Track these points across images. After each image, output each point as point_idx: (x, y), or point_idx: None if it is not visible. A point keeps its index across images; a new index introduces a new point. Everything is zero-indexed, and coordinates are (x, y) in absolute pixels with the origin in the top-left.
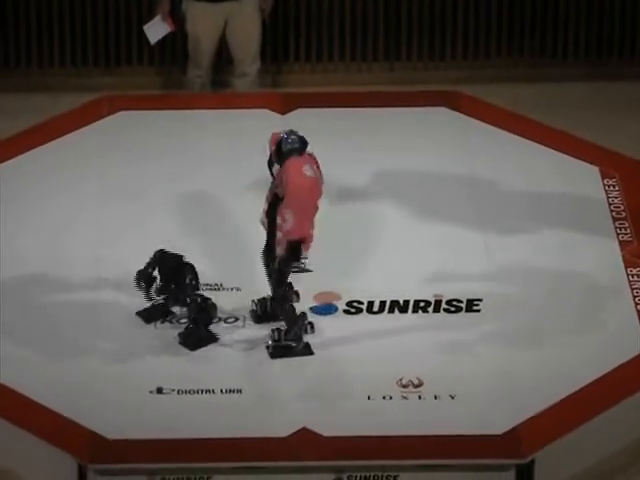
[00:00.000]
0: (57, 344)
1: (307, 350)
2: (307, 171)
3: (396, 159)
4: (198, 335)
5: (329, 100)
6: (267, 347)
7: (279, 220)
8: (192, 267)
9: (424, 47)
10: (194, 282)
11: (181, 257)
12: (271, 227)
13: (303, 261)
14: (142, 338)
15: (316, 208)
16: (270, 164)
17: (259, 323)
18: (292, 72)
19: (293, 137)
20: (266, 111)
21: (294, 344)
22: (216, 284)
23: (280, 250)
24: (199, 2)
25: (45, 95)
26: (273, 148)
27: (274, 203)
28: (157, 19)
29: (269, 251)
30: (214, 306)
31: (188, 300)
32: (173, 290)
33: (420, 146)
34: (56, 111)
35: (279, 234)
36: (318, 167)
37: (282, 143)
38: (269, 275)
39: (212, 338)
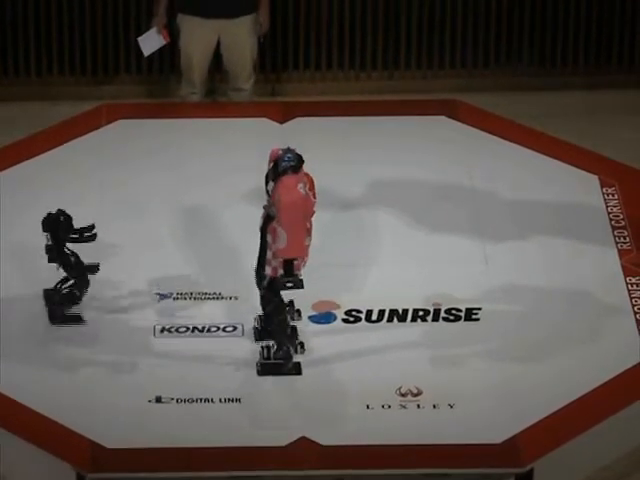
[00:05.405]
0: (57, 353)
1: (296, 369)
2: (301, 189)
3: (395, 168)
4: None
5: (328, 109)
6: (256, 364)
7: (269, 239)
8: (67, 219)
9: (423, 55)
10: (67, 230)
11: (59, 214)
12: (262, 245)
13: (295, 279)
14: (141, 347)
15: (308, 227)
16: (266, 181)
17: (260, 340)
18: (291, 81)
19: (289, 155)
20: (265, 120)
21: (283, 362)
22: (214, 293)
23: (269, 269)
24: (192, 17)
25: (44, 103)
26: (271, 165)
27: (266, 222)
28: (152, 31)
29: (260, 269)
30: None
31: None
32: (52, 246)
33: (419, 155)
34: (55, 119)
35: (269, 253)
36: (312, 187)
37: (279, 160)
38: (260, 293)
39: (78, 319)
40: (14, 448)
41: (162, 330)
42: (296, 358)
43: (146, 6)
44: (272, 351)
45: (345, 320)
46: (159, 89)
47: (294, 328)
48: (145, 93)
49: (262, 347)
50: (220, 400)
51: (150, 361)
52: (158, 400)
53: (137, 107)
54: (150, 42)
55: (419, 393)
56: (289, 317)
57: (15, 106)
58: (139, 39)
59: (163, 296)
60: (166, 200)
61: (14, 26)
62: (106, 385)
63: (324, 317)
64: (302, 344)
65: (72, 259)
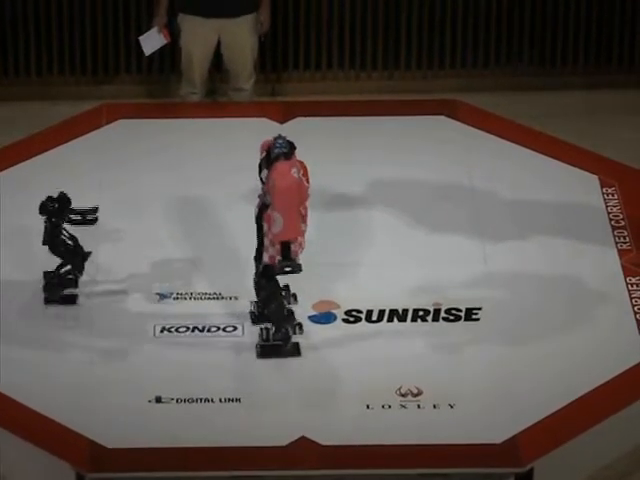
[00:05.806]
0: (57, 353)
1: (295, 350)
2: (294, 174)
3: (395, 168)
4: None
5: (328, 109)
6: (256, 346)
7: (265, 226)
8: (66, 203)
9: (423, 55)
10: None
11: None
12: (259, 234)
13: (293, 264)
14: (141, 347)
15: (301, 212)
16: (260, 169)
17: (256, 324)
18: (291, 80)
19: (280, 141)
20: (265, 120)
21: (282, 343)
22: (214, 293)
23: (266, 257)
24: (192, 16)
25: (44, 103)
26: (264, 154)
27: (262, 211)
28: (153, 31)
29: (259, 258)
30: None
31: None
32: (48, 229)
33: (419, 155)
34: (55, 119)
35: (266, 241)
36: (306, 173)
37: (270, 148)
38: (256, 279)
39: (71, 299)
40: (14, 448)
41: (162, 330)
42: (295, 339)
43: (146, 6)
44: (271, 333)
45: (345, 320)
46: (159, 89)
47: (291, 310)
48: (145, 93)
49: (261, 329)
50: (220, 400)
51: (150, 361)
52: (158, 400)
53: (137, 107)
54: (151, 42)
55: (419, 393)
56: (285, 302)
57: (15, 106)
58: (140, 38)
59: (163, 296)
60: (166, 200)
61: (14, 26)
62: (106, 385)
63: (324, 317)
64: (300, 325)
65: (70, 243)
